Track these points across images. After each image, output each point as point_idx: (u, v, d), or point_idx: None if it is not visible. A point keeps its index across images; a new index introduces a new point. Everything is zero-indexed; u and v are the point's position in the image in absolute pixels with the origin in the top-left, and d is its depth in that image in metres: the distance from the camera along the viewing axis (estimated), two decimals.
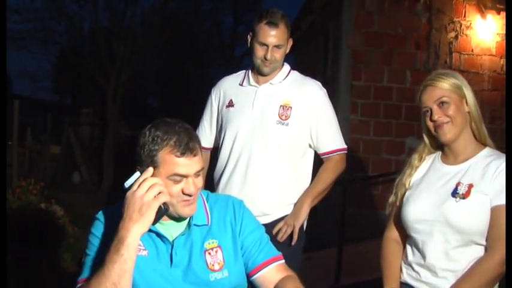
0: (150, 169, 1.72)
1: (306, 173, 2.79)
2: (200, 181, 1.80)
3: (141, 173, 1.73)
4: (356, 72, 7.05)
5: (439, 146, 2.20)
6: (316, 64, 8.89)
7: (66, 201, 6.89)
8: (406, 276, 2.18)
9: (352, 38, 7.07)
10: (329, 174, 2.78)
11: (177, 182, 1.74)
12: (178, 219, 1.83)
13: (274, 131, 2.69)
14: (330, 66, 7.89)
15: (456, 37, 6.96)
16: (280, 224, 2.67)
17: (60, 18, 14.48)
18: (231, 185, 2.71)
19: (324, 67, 8.26)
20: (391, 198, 2.25)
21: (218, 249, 1.85)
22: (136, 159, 1.76)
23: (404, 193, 2.21)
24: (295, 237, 2.67)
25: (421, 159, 2.24)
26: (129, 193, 1.68)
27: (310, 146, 2.79)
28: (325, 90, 2.80)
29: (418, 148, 2.27)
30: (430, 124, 2.14)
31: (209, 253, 1.84)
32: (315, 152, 2.82)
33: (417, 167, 2.23)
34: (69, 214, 6.03)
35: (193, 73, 17.78)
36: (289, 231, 2.66)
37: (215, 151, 2.93)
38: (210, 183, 2.68)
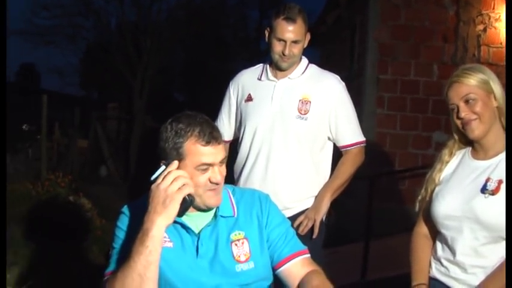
0: (175, 162, 1.74)
1: (325, 165, 2.81)
2: (225, 169, 1.82)
3: (166, 166, 1.74)
4: (383, 65, 6.98)
5: (469, 141, 2.16)
6: (342, 58, 8.84)
7: (94, 194, 6.94)
8: (435, 272, 2.15)
9: (379, 31, 7.01)
10: (348, 167, 2.79)
11: (203, 171, 1.76)
12: (204, 210, 1.84)
13: (294, 125, 2.71)
14: (357, 60, 7.84)
15: (485, 30, 6.86)
16: (301, 218, 2.68)
17: (87, 14, 14.64)
18: (252, 179, 2.73)
19: (351, 61, 8.21)
20: (421, 194, 2.22)
21: (245, 240, 1.86)
22: (160, 153, 1.78)
23: (434, 188, 2.18)
24: (316, 230, 2.68)
25: (451, 155, 2.20)
26: (153, 186, 1.70)
27: (329, 138, 2.80)
28: (343, 83, 2.79)
29: (448, 143, 2.23)
30: (458, 121, 2.10)
31: (235, 244, 1.85)
32: (334, 144, 2.83)
33: (447, 162, 2.20)
34: (96, 207, 6.09)
35: (219, 67, 17.81)
36: (310, 225, 2.67)
37: (233, 144, 2.95)
38: (230, 176, 2.65)
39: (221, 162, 1.79)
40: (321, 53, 10.78)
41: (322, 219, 2.72)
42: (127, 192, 9.19)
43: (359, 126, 2.83)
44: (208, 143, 1.74)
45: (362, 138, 2.84)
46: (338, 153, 2.85)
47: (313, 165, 2.75)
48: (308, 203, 2.74)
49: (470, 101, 2.05)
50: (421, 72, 6.91)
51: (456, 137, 2.18)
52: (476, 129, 2.07)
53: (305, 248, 1.93)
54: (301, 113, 2.70)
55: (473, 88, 2.05)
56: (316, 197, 2.75)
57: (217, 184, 1.78)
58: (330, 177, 2.79)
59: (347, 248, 5.87)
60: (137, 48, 13.56)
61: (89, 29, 15.20)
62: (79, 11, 14.55)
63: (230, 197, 1.93)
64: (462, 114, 2.07)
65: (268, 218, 1.91)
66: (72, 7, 14.47)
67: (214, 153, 1.76)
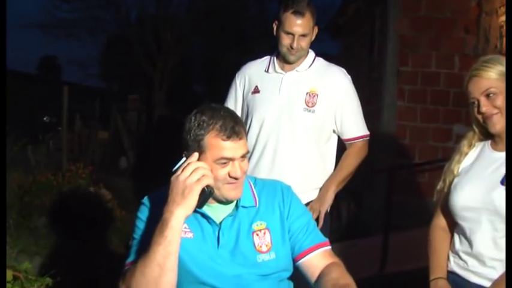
0: (195, 154, 1.75)
1: (330, 157, 2.86)
2: (246, 164, 1.82)
3: (187, 158, 1.76)
4: (403, 57, 6.93)
5: (489, 133, 2.12)
6: (362, 50, 8.78)
7: (114, 186, 7.01)
8: (453, 265, 2.14)
9: (399, 22, 6.95)
10: (352, 160, 2.84)
11: (223, 165, 1.76)
12: (225, 202, 1.84)
13: (301, 117, 2.74)
14: (377, 52, 7.79)
15: None
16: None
17: (107, 7, 14.72)
18: (259, 170, 2.75)
19: (370, 53, 8.16)
20: (439, 185, 2.20)
21: (266, 231, 1.86)
22: (182, 144, 1.79)
23: (453, 180, 2.16)
24: (321, 222, 2.71)
25: (470, 146, 2.18)
26: (173, 177, 1.71)
27: (334, 131, 2.84)
28: (349, 77, 2.82)
29: (467, 134, 2.20)
30: (479, 116, 2.06)
31: (257, 234, 1.85)
32: (338, 137, 2.88)
33: (466, 154, 2.17)
34: (116, 198, 6.15)
35: (239, 60, 17.78)
36: (314, 216, 2.69)
37: None
38: None
39: (242, 157, 1.79)
40: (341, 45, 10.72)
41: (326, 210, 2.75)
42: (147, 183, 9.16)
43: (364, 120, 2.87)
44: (229, 137, 1.74)
45: (366, 132, 2.88)
46: (341, 147, 2.90)
47: (320, 157, 2.80)
48: (313, 194, 2.79)
49: (491, 95, 2.02)
50: (442, 64, 6.84)
51: (476, 129, 2.15)
52: (497, 124, 2.04)
53: (326, 240, 1.94)
54: (308, 106, 2.74)
55: (494, 82, 2.01)
56: (321, 188, 2.80)
57: (236, 179, 1.78)
58: (335, 170, 2.84)
59: (366, 241, 5.86)
60: (157, 41, 13.62)
61: (109, 21, 15.28)
62: (99, 3, 14.64)
63: (251, 188, 1.93)
64: (483, 109, 2.03)
65: (290, 209, 1.91)
66: (92, 0, 14.56)
67: (235, 148, 1.76)
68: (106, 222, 5.34)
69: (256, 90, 2.82)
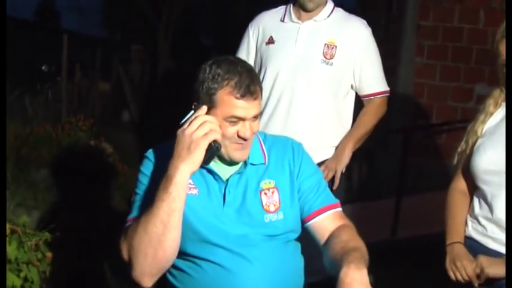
0: (204, 107, 1.74)
1: (347, 114, 2.84)
2: (257, 125, 1.82)
3: (195, 110, 1.75)
4: (424, 11, 6.82)
5: None
6: (380, 2, 8.66)
7: (116, 140, 6.97)
8: (471, 230, 2.14)
9: None
10: (371, 118, 2.84)
11: (233, 124, 1.76)
12: (230, 163, 1.85)
13: (318, 70, 2.71)
14: (396, 5, 7.67)
15: None
16: (322, 168, 2.69)
17: None
18: (271, 126, 2.73)
19: (389, 5, 8.04)
20: (461, 146, 2.18)
21: (275, 190, 1.86)
22: (193, 95, 1.78)
23: (476, 141, 2.13)
24: (337, 181, 2.72)
25: (496, 105, 2.13)
26: (179, 131, 1.71)
27: (352, 87, 2.82)
28: (370, 29, 2.79)
29: (493, 93, 2.16)
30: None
31: (265, 193, 1.85)
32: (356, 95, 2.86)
33: (492, 114, 2.13)
34: (118, 152, 6.14)
35: (248, 10, 17.60)
36: (330, 176, 2.71)
37: None
38: None
39: (254, 117, 1.78)
40: None
41: (342, 170, 2.75)
42: (150, 138, 9.15)
43: (383, 75, 2.84)
44: (243, 96, 1.73)
45: (386, 87, 2.86)
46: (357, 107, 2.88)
47: (336, 113, 2.78)
48: (329, 153, 2.78)
49: None
50: (465, 19, 6.73)
51: (504, 89, 2.10)
52: None
53: (337, 201, 1.93)
54: (326, 58, 2.72)
55: None
56: (337, 147, 2.79)
57: (244, 140, 1.78)
58: (352, 128, 2.83)
59: (378, 204, 5.88)
60: None
61: None
62: None
63: (261, 144, 1.92)
64: None
65: (301, 168, 1.91)
66: None
67: (248, 108, 1.75)
68: (107, 177, 5.34)
69: (270, 41, 2.79)
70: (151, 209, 1.68)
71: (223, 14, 19.15)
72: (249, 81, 1.74)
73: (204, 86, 1.75)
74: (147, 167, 1.86)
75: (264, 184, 1.86)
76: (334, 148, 2.79)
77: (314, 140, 2.69)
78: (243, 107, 1.74)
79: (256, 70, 2.81)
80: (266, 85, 2.74)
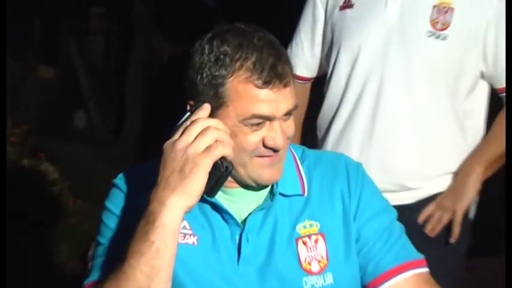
0: (206, 106, 1.37)
1: (475, 120, 2.19)
2: (291, 127, 1.42)
3: (192, 113, 1.38)
4: None
5: None
6: None
7: (65, 157, 5.81)
8: None
9: None
10: None
11: (255, 127, 1.38)
12: (252, 187, 1.45)
13: (424, 48, 2.04)
14: None
15: None
16: (431, 208, 2.11)
17: None
18: (348, 138, 2.13)
19: None
20: None
21: (319, 237, 1.48)
22: (188, 89, 1.41)
23: None
24: (457, 230, 2.12)
25: None
26: (167, 144, 1.35)
27: (482, 75, 2.11)
28: None
29: None
30: None
31: (304, 243, 1.47)
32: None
33: None
34: (68, 177, 5.03)
35: None
36: (445, 221, 2.13)
37: (318, 84, 2.27)
38: (309, 136, 2.15)
39: (286, 114, 1.39)
40: None
41: (467, 211, 2.16)
42: (121, 155, 7.10)
43: None
44: (267, 83, 1.34)
45: None
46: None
47: (455, 119, 2.11)
48: (443, 183, 2.14)
49: None
50: None
51: None
52: None
53: (421, 257, 1.50)
54: (436, 28, 2.04)
55: None
56: (457, 173, 2.14)
57: (275, 151, 1.39)
58: (481, 142, 2.16)
59: (489, 264, 5.25)
60: None
61: None
62: None
63: (297, 164, 1.52)
64: None
65: (360, 202, 1.49)
66: None
67: (276, 101, 1.36)
68: (50, 218, 4.41)
69: (347, 4, 2.14)
70: (122, 268, 1.31)
71: None
72: (274, 59, 1.36)
73: (203, 75, 1.38)
74: (116, 202, 1.49)
75: (302, 228, 1.48)
76: (453, 175, 2.14)
77: (418, 162, 2.09)
78: (269, 99, 1.36)
79: (325, 50, 2.23)
80: (340, 75, 2.16)
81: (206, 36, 1.41)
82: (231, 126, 1.36)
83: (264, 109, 1.37)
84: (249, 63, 1.35)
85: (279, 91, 1.37)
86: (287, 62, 1.41)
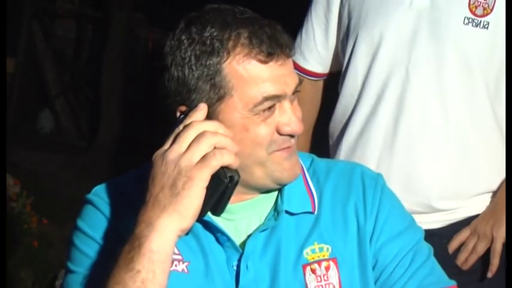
0: (202, 106, 1.23)
1: None
2: (299, 109, 1.31)
3: (186, 116, 1.24)
4: None
5: None
6: None
7: (27, 168, 5.42)
8: None
9: None
10: None
11: (267, 114, 1.25)
12: (266, 190, 1.32)
13: (460, 38, 1.82)
14: None
15: None
16: (465, 234, 1.89)
17: None
18: (365, 147, 1.91)
19: None
20: None
21: (331, 263, 1.34)
22: (175, 93, 1.27)
23: None
24: (496, 261, 1.88)
25: None
26: (156, 154, 1.21)
27: None
28: None
29: None
30: None
31: (313, 270, 1.33)
32: None
33: None
34: (31, 192, 4.65)
35: None
36: (481, 250, 1.89)
37: (332, 83, 2.05)
38: (322, 143, 1.97)
39: (294, 93, 1.28)
40: None
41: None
42: (94, 163, 6.42)
43: None
44: (271, 54, 1.22)
45: None
46: None
47: (496, 124, 1.88)
48: (478, 203, 1.91)
49: None
50: None
51: None
52: None
53: (452, 283, 1.36)
54: (475, 14, 1.82)
55: None
56: (497, 192, 1.89)
57: (291, 136, 1.27)
58: None
59: None
60: None
61: None
62: None
63: (305, 176, 1.37)
64: None
65: (378, 221, 1.34)
66: None
67: (284, 76, 1.25)
68: (10, 241, 3.93)
69: None
70: None
71: None
72: (269, 29, 1.25)
73: (192, 69, 1.24)
74: (91, 222, 1.34)
75: (310, 253, 1.34)
76: (490, 195, 1.90)
77: (448, 178, 1.86)
78: (276, 75, 1.24)
79: (340, 43, 1.98)
80: (358, 69, 1.94)
81: (177, 28, 1.27)
82: (240, 119, 1.24)
83: (273, 88, 1.24)
84: (243, 39, 1.23)
85: (284, 64, 1.24)
86: (283, 32, 1.28)
